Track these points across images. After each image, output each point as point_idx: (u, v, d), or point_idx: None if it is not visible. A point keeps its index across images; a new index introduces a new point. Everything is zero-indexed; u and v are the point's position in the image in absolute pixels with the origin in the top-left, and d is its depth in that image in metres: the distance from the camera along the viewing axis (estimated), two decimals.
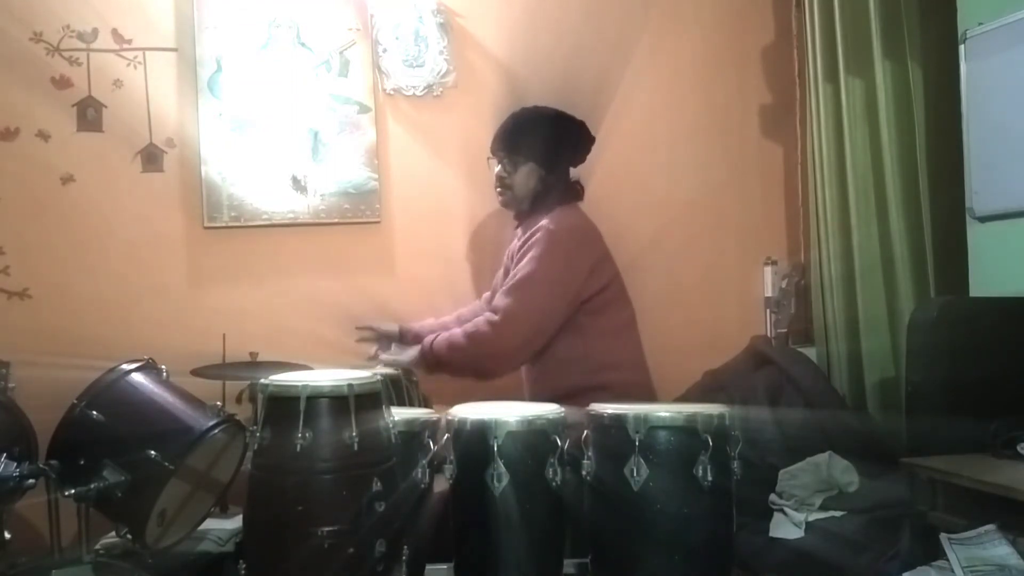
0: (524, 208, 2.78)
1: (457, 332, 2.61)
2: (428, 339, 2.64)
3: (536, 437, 1.87)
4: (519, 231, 2.83)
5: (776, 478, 2.53)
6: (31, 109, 2.99)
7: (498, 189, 2.81)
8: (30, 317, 2.96)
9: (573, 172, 2.84)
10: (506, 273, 2.94)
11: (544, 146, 2.72)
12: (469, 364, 2.59)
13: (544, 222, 2.65)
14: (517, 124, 2.78)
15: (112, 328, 2.93)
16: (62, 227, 3.01)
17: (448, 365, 2.60)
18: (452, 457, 1.89)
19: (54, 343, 2.86)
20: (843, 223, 2.99)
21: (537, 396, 2.62)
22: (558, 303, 2.58)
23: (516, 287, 2.58)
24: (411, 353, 2.65)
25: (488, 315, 2.59)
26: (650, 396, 2.70)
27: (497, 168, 2.80)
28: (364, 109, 3.15)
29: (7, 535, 2.08)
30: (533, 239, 2.63)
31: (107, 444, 2.13)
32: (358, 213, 3.14)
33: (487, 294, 3.02)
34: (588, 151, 2.85)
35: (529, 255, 2.60)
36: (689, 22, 3.34)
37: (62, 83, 3.01)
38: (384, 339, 2.91)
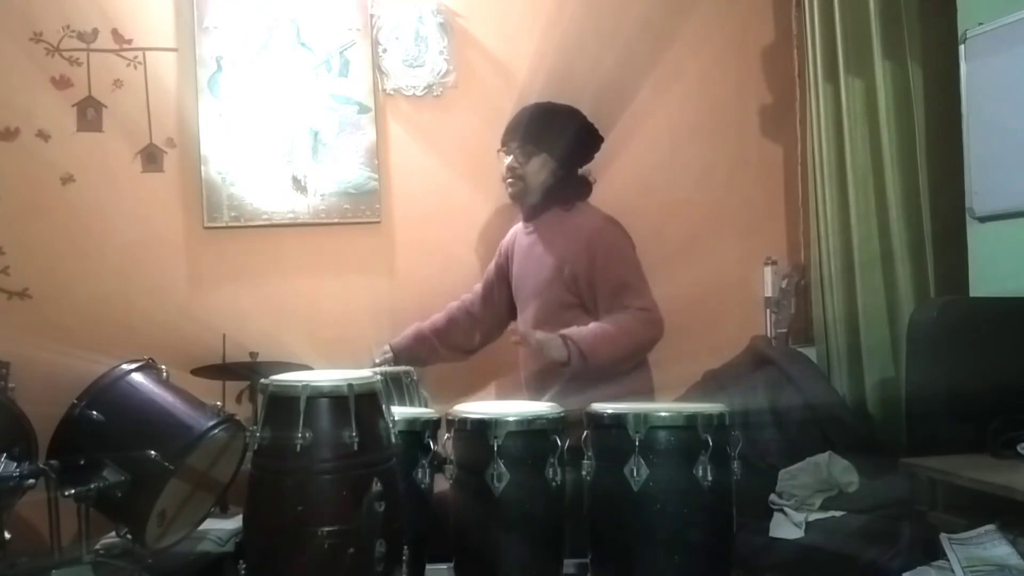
0: (534, 201, 2.77)
1: (607, 328, 2.55)
2: (573, 334, 2.52)
3: (536, 437, 1.87)
4: (528, 226, 2.82)
5: (776, 478, 2.53)
6: (31, 109, 2.99)
7: (509, 180, 2.78)
8: (30, 317, 2.96)
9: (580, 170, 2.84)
10: (498, 269, 2.93)
11: (560, 140, 2.73)
12: (626, 355, 2.60)
13: (583, 220, 2.69)
14: (534, 116, 2.79)
15: (112, 328, 2.92)
16: (62, 227, 3.01)
17: (596, 357, 2.52)
18: (452, 457, 1.89)
19: (54, 343, 2.85)
20: (843, 222, 2.99)
21: (544, 384, 2.60)
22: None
23: (626, 283, 2.61)
24: (556, 345, 2.51)
25: (633, 312, 2.58)
26: (650, 387, 2.71)
27: (508, 159, 2.79)
28: (364, 109, 3.15)
29: (7, 535, 2.08)
30: (589, 244, 2.64)
31: (107, 444, 2.14)
32: (358, 213, 3.14)
33: (477, 286, 3.00)
34: (597, 151, 2.86)
35: (610, 263, 2.63)
36: (689, 22, 3.34)
37: (62, 83, 3.01)
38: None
